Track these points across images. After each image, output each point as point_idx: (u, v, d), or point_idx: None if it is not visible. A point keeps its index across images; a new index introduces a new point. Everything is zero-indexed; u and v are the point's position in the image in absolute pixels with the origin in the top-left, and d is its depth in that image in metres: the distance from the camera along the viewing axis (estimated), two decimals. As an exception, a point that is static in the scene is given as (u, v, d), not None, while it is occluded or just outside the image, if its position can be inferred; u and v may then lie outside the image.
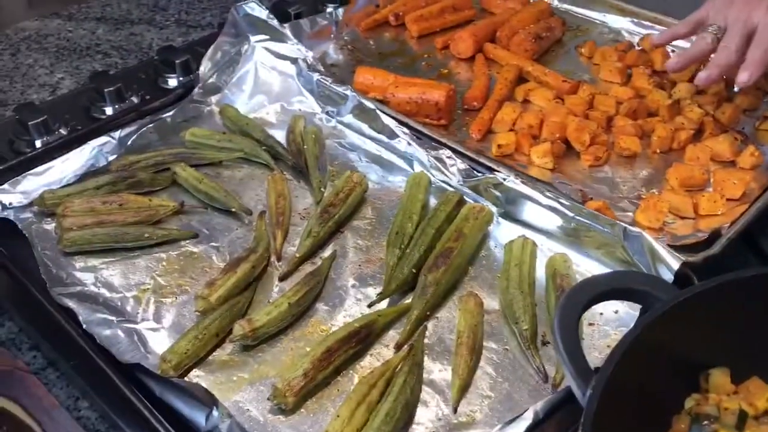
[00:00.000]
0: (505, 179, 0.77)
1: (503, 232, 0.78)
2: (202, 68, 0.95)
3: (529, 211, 0.77)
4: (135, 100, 0.99)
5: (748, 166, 0.85)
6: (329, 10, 1.22)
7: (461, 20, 1.13)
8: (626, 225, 0.70)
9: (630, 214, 0.79)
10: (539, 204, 0.75)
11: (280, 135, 0.91)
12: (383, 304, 0.70)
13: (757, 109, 0.94)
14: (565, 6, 1.16)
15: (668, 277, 0.66)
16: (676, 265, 0.66)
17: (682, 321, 0.54)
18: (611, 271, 0.68)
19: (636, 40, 1.08)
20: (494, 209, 0.79)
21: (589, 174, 0.86)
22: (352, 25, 1.12)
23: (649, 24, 1.09)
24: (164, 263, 0.74)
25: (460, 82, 1.02)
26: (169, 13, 1.34)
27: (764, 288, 0.57)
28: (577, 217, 0.73)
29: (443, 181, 0.83)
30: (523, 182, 0.78)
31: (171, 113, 0.92)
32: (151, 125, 0.90)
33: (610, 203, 0.81)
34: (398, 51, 1.09)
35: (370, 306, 0.69)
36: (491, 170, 0.82)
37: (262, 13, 0.97)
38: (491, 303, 0.71)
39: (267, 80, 0.97)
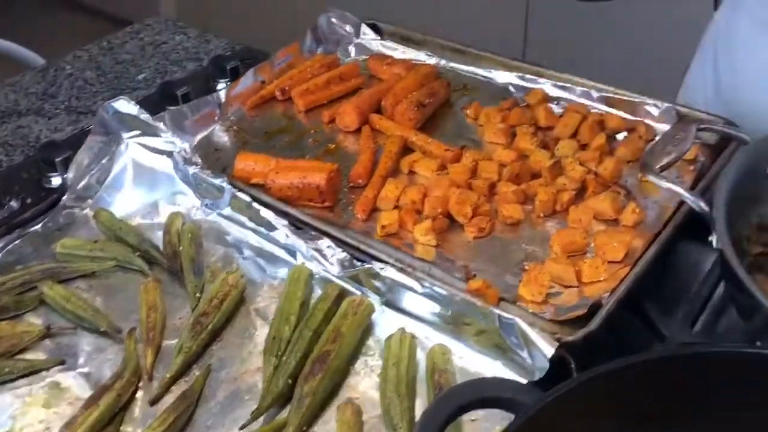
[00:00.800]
0: (382, 269, 0.75)
1: (386, 321, 0.76)
2: (71, 172, 0.92)
3: (409, 300, 0.75)
4: (15, 204, 0.95)
5: (630, 224, 0.84)
6: (219, 86, 1.20)
7: (349, 89, 1.12)
8: (499, 312, 0.68)
9: (515, 287, 0.78)
10: (417, 293, 0.73)
11: (159, 235, 0.88)
12: (259, 422, 0.67)
13: (640, 158, 0.94)
14: (452, 64, 1.16)
15: (545, 363, 0.64)
16: (550, 351, 0.64)
17: (547, 427, 0.53)
18: (475, 380, 0.66)
19: (522, 95, 1.08)
20: (376, 299, 0.77)
21: (474, 246, 0.85)
22: (238, 104, 1.10)
23: (534, 78, 1.09)
24: (27, 398, 0.70)
25: (349, 157, 1.00)
26: (58, 101, 1.31)
27: (635, 378, 0.56)
28: (454, 306, 0.71)
29: (324, 273, 0.80)
30: (401, 268, 0.76)
31: (42, 223, 0.88)
32: (18, 240, 0.86)
33: (496, 277, 0.79)
34: (285, 128, 1.07)
35: (242, 428, 0.66)
36: (372, 257, 0.80)
37: (132, 108, 0.95)
38: (373, 409, 0.68)
39: (143, 177, 0.94)
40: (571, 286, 0.78)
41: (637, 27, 2.11)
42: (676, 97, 1.16)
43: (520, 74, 1.10)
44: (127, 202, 0.93)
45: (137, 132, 0.95)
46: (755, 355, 0.58)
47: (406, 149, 0.99)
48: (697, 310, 0.79)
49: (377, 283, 0.76)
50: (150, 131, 0.95)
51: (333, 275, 0.79)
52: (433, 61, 1.17)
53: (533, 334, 0.65)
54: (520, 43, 2.47)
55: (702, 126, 0.86)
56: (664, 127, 0.97)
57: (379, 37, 1.22)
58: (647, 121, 0.99)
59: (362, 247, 0.81)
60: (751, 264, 0.76)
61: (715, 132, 0.89)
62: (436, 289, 0.72)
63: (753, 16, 1.01)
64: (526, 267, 0.81)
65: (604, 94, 1.03)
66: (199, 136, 1.03)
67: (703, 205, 0.74)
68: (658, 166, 0.79)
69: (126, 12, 3.67)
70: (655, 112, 0.99)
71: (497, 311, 0.68)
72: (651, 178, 0.78)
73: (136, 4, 3.56)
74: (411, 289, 0.74)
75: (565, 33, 2.28)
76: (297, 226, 0.85)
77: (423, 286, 0.73)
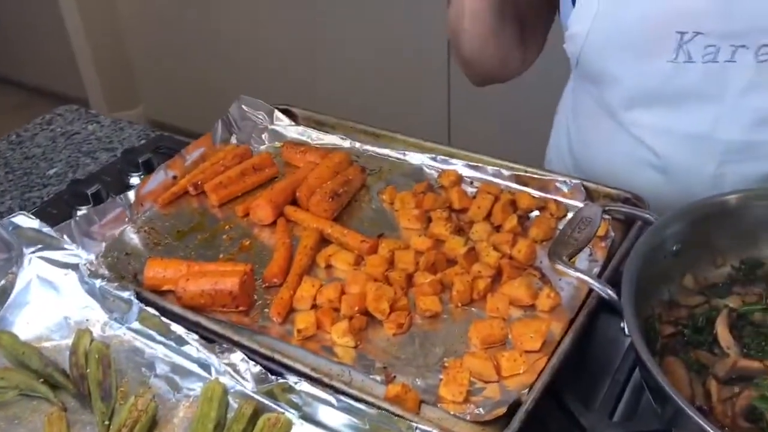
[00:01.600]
0: (296, 383, 0.73)
1: (306, 436, 0.73)
2: (-31, 294, 0.87)
3: (327, 413, 0.73)
4: None
5: (546, 309, 0.85)
6: (132, 180, 1.18)
7: (264, 180, 1.11)
8: (417, 425, 0.67)
9: (436, 386, 0.77)
10: (331, 405, 0.71)
11: (66, 355, 0.83)
12: None
13: (552, 237, 0.95)
14: (366, 147, 1.16)
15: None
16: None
17: None
18: None
19: (436, 175, 1.09)
20: (294, 413, 0.74)
21: (394, 343, 0.83)
22: (150, 202, 1.07)
23: (446, 158, 1.10)
24: None
25: (265, 252, 0.98)
26: (-39, 204, 1.26)
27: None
28: (371, 419, 0.69)
29: (240, 387, 0.78)
30: (318, 379, 0.74)
31: (-63, 352, 0.83)
32: None
33: (416, 377, 0.78)
34: (198, 225, 1.05)
35: None
36: (287, 367, 0.78)
37: (32, 222, 0.91)
38: None
39: (48, 294, 0.90)
40: (491, 381, 0.77)
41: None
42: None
43: (433, 155, 1.11)
44: (32, 322, 0.88)
45: (39, 246, 0.91)
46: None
47: (324, 240, 0.98)
48: (618, 391, 0.80)
49: (293, 397, 0.74)
50: (53, 244, 0.91)
51: (248, 390, 0.77)
52: (347, 144, 1.17)
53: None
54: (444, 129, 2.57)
55: (607, 208, 0.88)
56: (574, 203, 0.99)
57: (293, 123, 1.22)
58: (558, 198, 1.00)
59: (276, 357, 0.79)
60: (663, 346, 0.77)
61: (621, 213, 0.91)
62: (352, 403, 0.70)
63: (592, 92, 1.07)
64: (446, 364, 0.80)
65: (514, 172, 1.04)
66: (108, 241, 0.99)
67: (611, 293, 0.74)
68: (566, 254, 0.80)
69: (50, 85, 3.63)
70: (564, 188, 1.01)
71: (415, 423, 0.67)
72: (560, 267, 0.78)
73: (62, 77, 3.52)
74: (327, 403, 0.72)
75: (485, 114, 2.37)
76: (209, 338, 0.82)
77: (338, 400, 0.71)
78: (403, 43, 2.54)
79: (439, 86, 2.50)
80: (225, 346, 0.80)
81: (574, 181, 1.00)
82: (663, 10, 0.90)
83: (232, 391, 0.78)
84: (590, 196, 0.99)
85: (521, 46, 1.11)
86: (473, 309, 0.87)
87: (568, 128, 1.16)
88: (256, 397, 0.76)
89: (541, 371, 0.75)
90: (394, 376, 0.78)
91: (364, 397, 0.73)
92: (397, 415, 0.70)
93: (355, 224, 1.02)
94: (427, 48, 2.44)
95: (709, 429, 0.60)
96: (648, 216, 0.86)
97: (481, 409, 0.74)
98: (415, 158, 1.13)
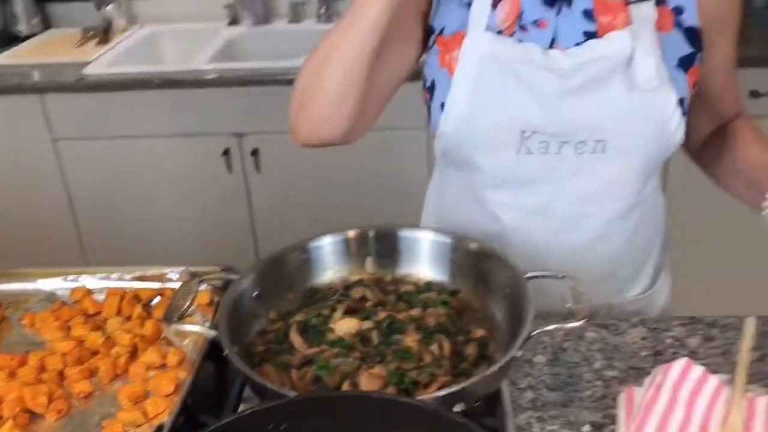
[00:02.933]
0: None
1: None
2: None
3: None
4: None
5: (175, 363, 1.11)
6: None
7: None
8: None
9: (99, 444, 0.98)
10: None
11: None
12: None
13: (174, 314, 1.23)
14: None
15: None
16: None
17: None
18: None
19: (68, 294, 1.29)
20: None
21: (59, 426, 1.02)
22: None
23: (76, 277, 1.32)
24: None
25: None
26: None
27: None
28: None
29: None
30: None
31: None
32: None
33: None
34: None
35: None
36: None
37: None
38: None
39: None
40: (143, 424, 1.01)
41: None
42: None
43: (64, 277, 1.32)
44: None
45: None
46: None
47: (-26, 371, 1.12)
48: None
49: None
50: None
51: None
52: (-20, 288, 1.31)
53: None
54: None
55: (202, 279, 1.19)
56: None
57: None
58: (171, 285, 1.29)
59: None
60: (260, 360, 1.09)
61: (216, 280, 1.23)
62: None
63: (456, 175, 1.30)
64: (104, 424, 1.01)
65: (134, 274, 1.31)
66: None
67: (212, 333, 1.05)
68: (176, 316, 1.08)
69: None
70: (174, 276, 1.30)
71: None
72: (173, 327, 1.06)
73: None
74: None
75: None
76: None
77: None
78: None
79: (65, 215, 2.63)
80: None
81: (180, 268, 1.30)
82: (509, 115, 1.14)
83: None
84: (196, 275, 1.30)
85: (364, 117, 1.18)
86: (119, 382, 1.10)
87: (435, 205, 1.40)
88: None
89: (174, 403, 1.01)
90: (62, 447, 0.97)
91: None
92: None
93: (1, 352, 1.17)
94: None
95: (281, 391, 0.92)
96: (233, 277, 1.19)
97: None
98: (47, 284, 1.32)
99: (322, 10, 2.89)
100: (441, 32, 1.19)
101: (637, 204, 1.24)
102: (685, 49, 1.15)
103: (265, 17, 2.92)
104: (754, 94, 2.31)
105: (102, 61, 2.60)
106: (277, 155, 2.51)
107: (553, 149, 1.15)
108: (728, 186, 1.24)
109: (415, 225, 1.38)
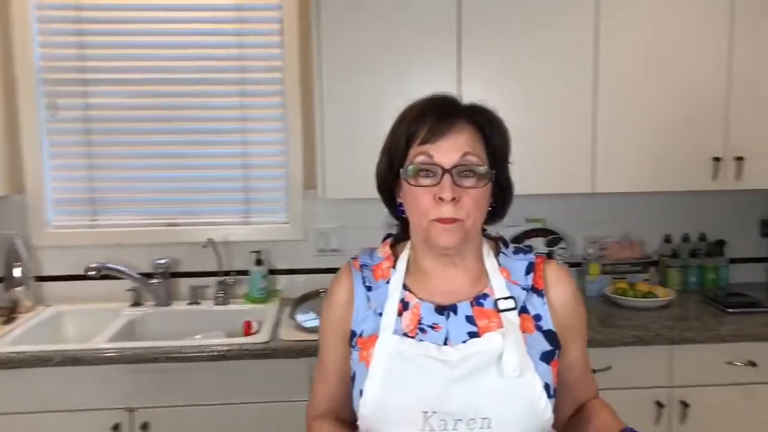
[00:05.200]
0: None
1: None
2: None
3: None
4: None
5: None
6: None
7: None
8: None
9: None
10: None
11: None
12: None
13: None
14: None
15: None
16: None
17: None
18: None
19: None
20: None
21: None
22: None
23: None
24: None
25: None
26: None
27: None
28: None
29: None
30: None
31: None
32: None
33: None
34: None
35: None
36: None
37: None
38: None
39: None
40: None
41: None
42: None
43: None
44: None
45: None
46: None
47: None
48: None
49: None
50: None
51: None
52: None
53: None
54: None
55: None
56: None
57: None
58: None
59: None
60: None
61: None
62: None
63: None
64: None
65: None
66: None
67: None
68: None
69: None
70: None
71: None
72: None
73: None
74: None
75: None
76: None
77: None
78: None
79: None
80: None
81: None
82: (413, 398, 1.37)
83: None
84: None
85: None
86: None
87: None
88: None
89: None
90: None
91: None
92: None
93: None
94: None
95: None
96: None
97: None
98: None
99: (220, 294, 3.20)
100: (360, 335, 1.49)
101: None
102: (546, 346, 1.45)
103: (166, 299, 3.19)
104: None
105: (4, 341, 2.74)
106: (167, 430, 2.60)
107: (450, 426, 1.37)
108: None
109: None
